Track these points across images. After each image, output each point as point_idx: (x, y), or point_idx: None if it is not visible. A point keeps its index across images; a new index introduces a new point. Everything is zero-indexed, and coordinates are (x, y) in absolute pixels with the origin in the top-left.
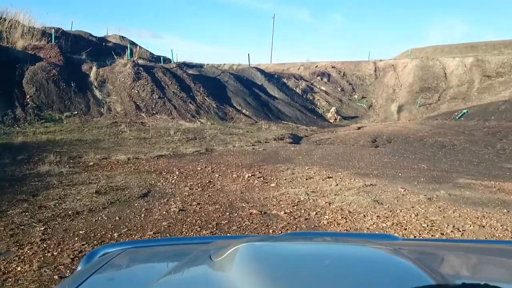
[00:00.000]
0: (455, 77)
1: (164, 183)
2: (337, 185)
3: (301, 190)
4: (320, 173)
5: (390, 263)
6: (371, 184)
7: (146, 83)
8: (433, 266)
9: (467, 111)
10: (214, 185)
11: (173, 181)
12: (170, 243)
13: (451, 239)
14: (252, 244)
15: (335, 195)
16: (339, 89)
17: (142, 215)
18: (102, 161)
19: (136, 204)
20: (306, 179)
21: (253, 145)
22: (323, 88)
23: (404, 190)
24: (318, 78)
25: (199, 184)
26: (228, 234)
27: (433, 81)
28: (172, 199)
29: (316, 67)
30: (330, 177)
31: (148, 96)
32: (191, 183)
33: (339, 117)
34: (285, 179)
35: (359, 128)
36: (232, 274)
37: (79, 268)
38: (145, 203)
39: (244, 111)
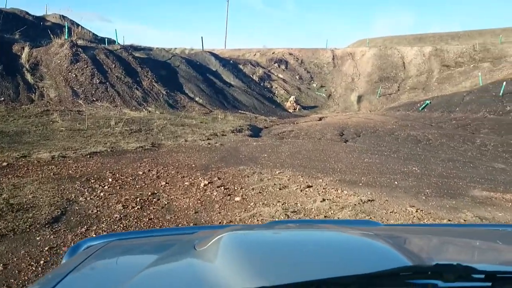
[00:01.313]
0: (413, 66)
1: (88, 198)
2: (324, 200)
3: (277, 208)
4: (296, 179)
5: (370, 247)
6: (369, 200)
7: (86, 66)
8: (411, 249)
9: (430, 102)
10: (158, 200)
11: (102, 194)
12: (154, 234)
13: (434, 223)
14: (235, 232)
15: (325, 217)
16: (297, 77)
17: (41, 262)
18: (18, 161)
19: (38, 238)
20: (280, 189)
21: (208, 138)
22: (280, 75)
23: (416, 211)
24: (276, 65)
25: (138, 199)
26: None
27: (392, 70)
28: (95, 227)
29: (273, 53)
30: (310, 186)
31: (88, 81)
32: (126, 197)
33: (298, 106)
34: (253, 189)
35: (320, 119)
36: (216, 263)
37: (63, 261)
38: (52, 236)
39: (197, 99)
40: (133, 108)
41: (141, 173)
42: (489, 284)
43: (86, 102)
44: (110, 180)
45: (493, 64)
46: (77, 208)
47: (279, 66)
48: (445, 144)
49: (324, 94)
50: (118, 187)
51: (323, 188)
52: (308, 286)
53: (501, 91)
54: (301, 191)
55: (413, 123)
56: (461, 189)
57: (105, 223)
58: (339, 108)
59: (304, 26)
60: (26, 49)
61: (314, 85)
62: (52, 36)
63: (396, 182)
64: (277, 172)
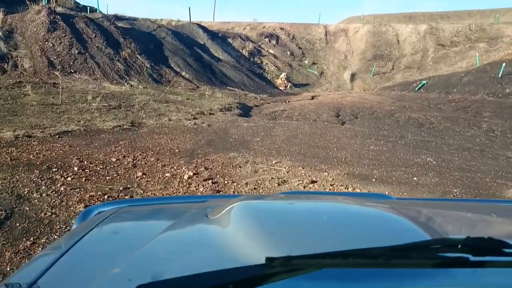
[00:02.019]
0: (408, 45)
1: (45, 194)
2: None
3: None
4: (296, 172)
5: (390, 220)
6: None
7: (64, 35)
8: (427, 222)
9: (426, 82)
10: (131, 198)
11: (62, 188)
12: (166, 202)
13: (447, 198)
14: (248, 202)
15: None
16: (288, 53)
17: None
18: None
19: None
20: (279, 184)
21: (194, 117)
22: (271, 51)
23: None
24: (266, 40)
25: (106, 196)
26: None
27: (386, 48)
28: (44, 239)
29: (263, 27)
30: (315, 182)
31: (66, 51)
32: (92, 193)
33: (289, 84)
34: (246, 184)
35: (313, 98)
36: (229, 231)
37: (74, 226)
38: None
39: (183, 73)
40: (114, 81)
41: (114, 159)
42: None
43: (63, 74)
44: (75, 169)
45: (489, 45)
46: (27, 208)
47: (269, 41)
48: (450, 128)
49: (316, 72)
50: (84, 179)
51: (331, 185)
52: (333, 257)
53: (500, 73)
54: (304, 187)
55: (411, 104)
56: (492, 188)
57: (58, 233)
58: (331, 86)
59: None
60: (0, 15)
61: (306, 62)
62: (28, 1)
63: (415, 178)
64: (273, 162)
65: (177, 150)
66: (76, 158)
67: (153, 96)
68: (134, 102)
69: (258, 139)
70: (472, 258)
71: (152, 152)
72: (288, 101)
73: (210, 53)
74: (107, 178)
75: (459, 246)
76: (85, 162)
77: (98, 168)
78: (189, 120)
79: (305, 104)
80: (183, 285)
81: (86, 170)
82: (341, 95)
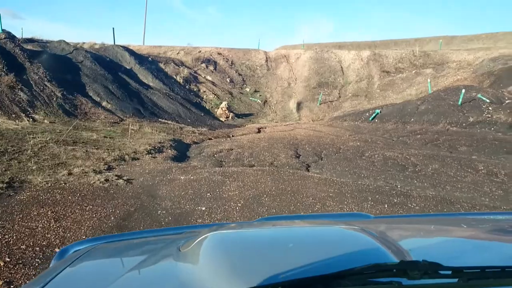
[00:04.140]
0: (352, 71)
1: None
2: None
3: None
4: None
5: (345, 243)
6: None
7: None
8: (391, 243)
9: (380, 112)
10: None
11: None
12: (141, 236)
13: (427, 214)
14: (218, 232)
15: None
16: (228, 80)
17: None
18: None
19: None
20: None
21: (109, 168)
22: (209, 77)
23: None
24: (203, 65)
25: None
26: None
27: (330, 75)
28: None
29: (199, 52)
30: None
31: None
32: None
33: (231, 114)
34: None
35: (259, 131)
36: (198, 265)
37: (51, 264)
38: None
39: (104, 103)
40: (13, 115)
41: None
42: (455, 280)
43: None
44: None
45: (436, 70)
46: None
47: (207, 66)
48: (441, 172)
49: (259, 100)
50: None
51: None
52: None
53: (460, 100)
54: None
55: (373, 138)
56: None
57: None
58: (277, 116)
59: (230, 29)
60: None
61: (248, 89)
62: None
63: None
64: None
65: (57, 249)
66: None
67: (59, 134)
68: (27, 145)
69: (203, 208)
70: (405, 282)
71: (8, 260)
72: (233, 136)
73: (138, 80)
74: None
75: (394, 270)
76: None
77: None
78: (99, 172)
79: (254, 139)
80: None
81: None
82: (291, 127)
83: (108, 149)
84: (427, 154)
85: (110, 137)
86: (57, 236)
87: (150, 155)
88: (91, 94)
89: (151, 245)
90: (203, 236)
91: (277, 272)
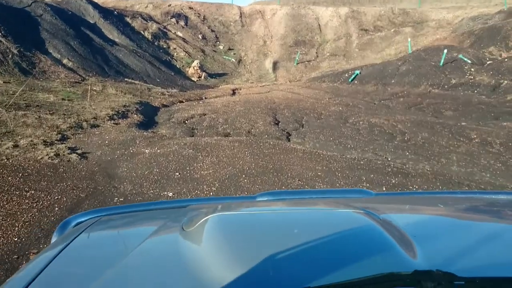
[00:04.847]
0: (330, 29)
1: None
2: None
3: None
4: None
5: (362, 234)
6: None
7: None
8: (406, 234)
9: (360, 73)
10: None
11: None
12: (146, 208)
13: (429, 191)
14: (222, 214)
15: None
16: (200, 36)
17: None
18: None
19: None
20: None
21: (62, 138)
22: (180, 34)
23: None
24: (173, 20)
25: None
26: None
27: (308, 33)
28: None
29: (169, 6)
30: None
31: None
32: None
33: (203, 73)
34: None
35: (234, 93)
36: (202, 246)
37: (53, 239)
38: None
39: (65, 61)
40: None
41: None
42: None
43: None
44: None
45: (415, 29)
46: None
47: (177, 21)
48: (432, 141)
49: (233, 59)
50: None
51: None
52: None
53: (442, 61)
54: None
55: (354, 101)
56: None
57: None
58: (252, 76)
59: None
60: None
61: (221, 47)
62: None
63: None
64: None
65: None
66: None
67: (11, 96)
68: None
69: (171, 194)
70: None
71: None
72: (206, 98)
73: (102, 35)
74: None
75: (408, 280)
76: None
77: None
78: (50, 144)
79: (228, 103)
80: None
81: None
82: (267, 89)
83: (64, 114)
84: (414, 120)
85: (68, 100)
86: None
87: (112, 121)
88: (51, 51)
89: (155, 220)
90: (205, 218)
91: (280, 264)
